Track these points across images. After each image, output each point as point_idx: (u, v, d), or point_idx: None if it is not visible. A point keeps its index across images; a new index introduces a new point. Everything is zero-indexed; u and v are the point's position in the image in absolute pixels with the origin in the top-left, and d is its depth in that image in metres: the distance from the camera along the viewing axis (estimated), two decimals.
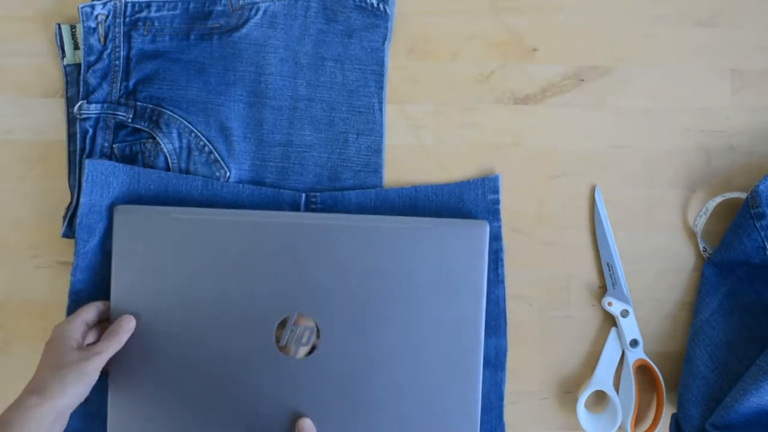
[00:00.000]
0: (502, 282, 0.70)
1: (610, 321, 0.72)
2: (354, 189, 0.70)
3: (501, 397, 0.70)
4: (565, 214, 0.72)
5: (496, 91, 0.72)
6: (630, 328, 0.70)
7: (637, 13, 0.72)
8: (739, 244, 0.67)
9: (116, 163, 0.68)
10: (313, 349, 0.65)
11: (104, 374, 0.65)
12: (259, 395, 0.65)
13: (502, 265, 0.70)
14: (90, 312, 0.64)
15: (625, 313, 0.70)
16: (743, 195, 0.69)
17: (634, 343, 0.70)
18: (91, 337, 0.64)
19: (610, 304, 0.70)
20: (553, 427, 0.72)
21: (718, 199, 0.70)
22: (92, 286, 0.68)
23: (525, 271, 0.72)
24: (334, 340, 0.65)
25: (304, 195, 0.70)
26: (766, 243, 0.66)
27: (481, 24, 0.72)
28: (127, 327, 0.64)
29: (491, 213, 0.70)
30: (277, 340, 0.65)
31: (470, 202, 0.70)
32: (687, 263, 0.72)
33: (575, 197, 0.72)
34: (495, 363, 0.70)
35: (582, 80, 0.72)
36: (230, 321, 0.65)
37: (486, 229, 0.66)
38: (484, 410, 0.69)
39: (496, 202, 0.70)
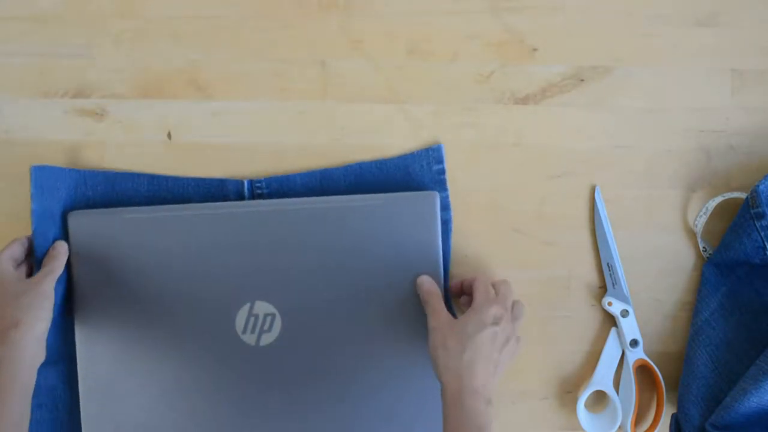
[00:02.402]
0: (449, 251, 0.70)
1: (610, 321, 0.72)
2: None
3: None
4: (565, 214, 0.72)
5: (496, 91, 0.72)
6: (630, 328, 0.70)
7: (637, 13, 0.72)
8: (739, 244, 0.67)
9: (62, 168, 0.69)
10: (274, 335, 0.66)
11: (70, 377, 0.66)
12: (226, 386, 0.66)
13: (450, 236, 0.70)
14: (15, 248, 0.64)
15: (625, 313, 0.70)
16: (743, 195, 0.69)
17: (634, 343, 0.70)
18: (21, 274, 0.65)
19: (610, 304, 0.70)
20: (553, 427, 0.72)
21: (718, 199, 0.70)
22: (58, 294, 0.68)
23: (525, 271, 0.71)
24: (295, 324, 0.66)
25: (247, 182, 0.70)
26: (766, 243, 0.66)
27: (481, 24, 0.72)
28: (62, 249, 0.65)
29: (438, 183, 0.70)
30: (239, 330, 0.66)
31: (416, 174, 0.70)
32: (687, 263, 0.72)
33: (575, 197, 0.72)
34: None
35: (582, 80, 0.72)
36: (191, 315, 0.66)
37: (436, 198, 0.67)
38: None
39: (442, 172, 0.70)
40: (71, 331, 0.67)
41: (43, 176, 0.68)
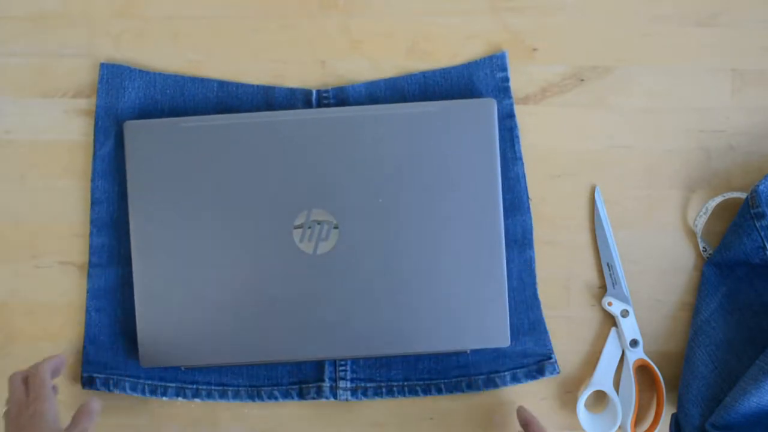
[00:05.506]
0: (520, 159, 0.70)
1: (610, 321, 0.72)
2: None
3: (533, 275, 0.70)
4: (565, 214, 0.72)
5: None
6: (630, 328, 0.70)
7: (637, 13, 0.72)
8: (739, 244, 0.67)
9: (131, 67, 0.69)
10: (331, 243, 0.65)
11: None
12: (280, 293, 0.66)
13: (518, 142, 0.70)
14: (52, 373, 0.61)
15: (625, 313, 0.70)
16: (743, 195, 0.69)
17: (634, 343, 0.70)
18: None
19: (610, 304, 0.70)
20: (553, 427, 0.72)
21: (718, 199, 0.70)
22: (112, 194, 0.69)
23: None
24: (353, 234, 0.66)
25: (315, 91, 0.70)
26: (766, 243, 0.66)
27: (481, 24, 0.72)
28: (96, 407, 0.61)
29: (501, 91, 0.70)
30: (296, 238, 0.65)
31: (479, 82, 0.70)
32: (687, 263, 0.72)
33: (575, 197, 0.72)
34: (522, 241, 0.70)
35: (582, 80, 0.72)
36: (249, 222, 0.66)
37: (493, 106, 0.66)
38: (518, 290, 0.69)
39: (506, 79, 0.70)
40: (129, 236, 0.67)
41: (110, 74, 0.69)
